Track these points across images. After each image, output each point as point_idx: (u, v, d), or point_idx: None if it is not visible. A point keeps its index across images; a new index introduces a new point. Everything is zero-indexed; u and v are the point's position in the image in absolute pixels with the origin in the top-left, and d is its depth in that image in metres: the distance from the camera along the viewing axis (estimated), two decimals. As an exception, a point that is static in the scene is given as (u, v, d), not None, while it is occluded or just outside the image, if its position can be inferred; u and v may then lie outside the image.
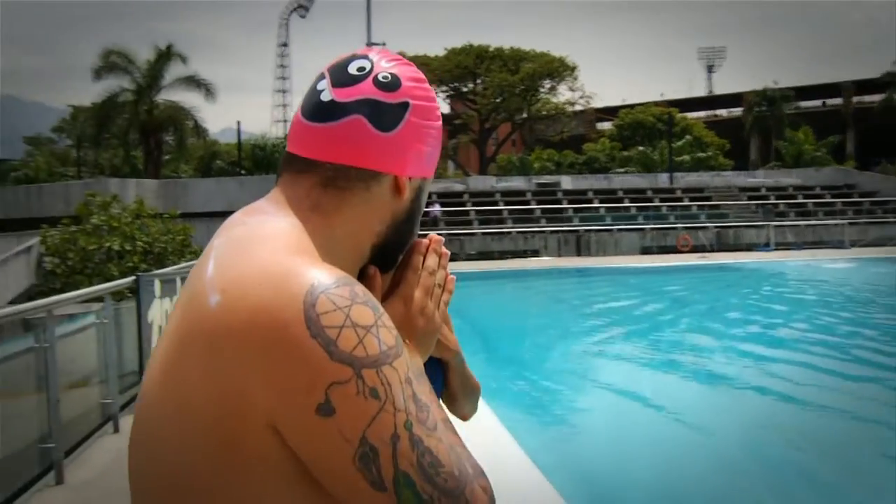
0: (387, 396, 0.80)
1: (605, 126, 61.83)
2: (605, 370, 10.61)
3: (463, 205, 36.05)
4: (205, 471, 0.82)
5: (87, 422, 5.96)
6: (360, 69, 0.99)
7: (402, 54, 1.13)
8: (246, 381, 0.79)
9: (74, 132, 55.75)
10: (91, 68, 36.83)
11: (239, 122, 44.33)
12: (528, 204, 36.41)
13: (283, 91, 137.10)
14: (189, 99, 41.92)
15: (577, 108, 54.69)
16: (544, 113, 53.39)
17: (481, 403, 1.28)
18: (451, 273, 1.10)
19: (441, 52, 54.19)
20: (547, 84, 52.95)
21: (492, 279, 23.69)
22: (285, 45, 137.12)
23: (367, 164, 0.96)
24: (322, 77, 1.00)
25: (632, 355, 11.36)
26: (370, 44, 31.21)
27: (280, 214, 0.94)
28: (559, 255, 31.38)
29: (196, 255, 18.52)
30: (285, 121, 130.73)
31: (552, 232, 33.00)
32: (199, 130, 40.80)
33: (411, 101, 0.99)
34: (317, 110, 0.97)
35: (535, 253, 31.70)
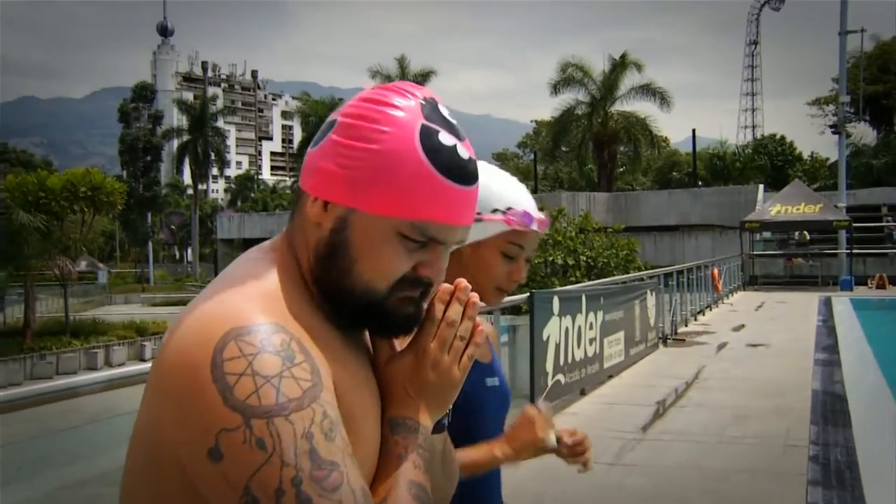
0: (274, 449, 0.81)
1: None
2: None
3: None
4: (139, 485, 0.92)
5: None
6: None
7: None
8: (162, 416, 0.87)
9: (536, 147, 60.43)
10: (548, 83, 39.33)
11: (694, 131, 43.33)
12: None
13: (752, 94, 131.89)
14: (644, 108, 42.28)
15: None
16: None
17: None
18: None
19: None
20: None
21: None
22: (755, 43, 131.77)
23: (300, 181, 1.01)
24: None
25: None
26: (845, 32, 27.73)
27: (271, 251, 1.01)
28: None
29: (639, 269, 18.34)
30: (754, 126, 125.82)
31: None
32: (654, 140, 40.84)
33: (339, 118, 0.99)
34: None
35: None
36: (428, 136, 0.96)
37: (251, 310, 0.88)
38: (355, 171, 0.94)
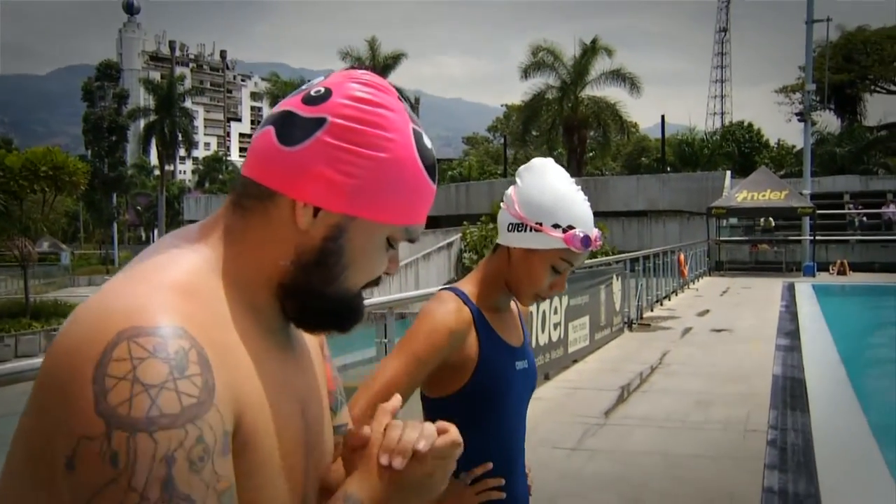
0: (125, 468, 0.74)
1: None
2: None
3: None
4: (14, 487, 0.82)
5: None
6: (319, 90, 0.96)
7: None
8: (37, 412, 0.80)
9: (506, 131, 60.44)
10: (519, 67, 39.28)
11: (663, 117, 43.55)
12: None
13: (721, 81, 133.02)
14: (614, 94, 42.41)
15: None
16: None
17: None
18: None
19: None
20: None
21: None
22: (725, 30, 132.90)
23: (261, 178, 0.93)
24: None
25: None
26: (811, 21, 27.96)
27: (194, 240, 0.93)
28: None
29: (607, 254, 18.48)
30: (723, 113, 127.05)
31: None
32: (624, 126, 40.99)
33: (330, 118, 0.92)
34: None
35: None
36: (419, 141, 0.96)
37: (157, 307, 0.81)
38: (361, 180, 0.91)
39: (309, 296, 0.94)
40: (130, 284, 0.85)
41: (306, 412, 0.98)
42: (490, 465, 1.66)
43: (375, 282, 1.00)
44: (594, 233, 1.67)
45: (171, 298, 0.83)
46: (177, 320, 0.81)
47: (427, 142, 0.97)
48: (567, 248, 1.65)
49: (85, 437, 0.74)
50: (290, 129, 0.92)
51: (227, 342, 0.86)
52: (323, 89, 0.94)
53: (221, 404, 0.80)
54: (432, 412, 1.73)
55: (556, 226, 1.64)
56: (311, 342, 1.10)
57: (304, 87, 0.97)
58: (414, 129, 0.96)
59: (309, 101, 0.94)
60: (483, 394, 1.67)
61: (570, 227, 1.64)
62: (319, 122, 0.91)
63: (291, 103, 0.95)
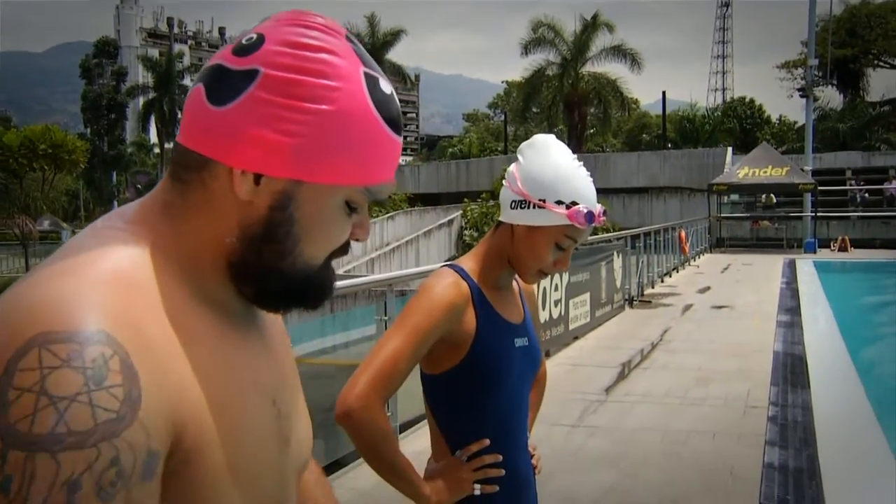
0: (18, 493, 0.63)
1: None
2: None
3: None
4: None
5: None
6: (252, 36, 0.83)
7: None
8: None
9: (507, 107, 60.19)
10: (520, 43, 39.03)
11: (664, 93, 43.37)
12: None
13: (722, 57, 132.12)
14: (615, 70, 42.12)
15: None
16: None
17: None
18: None
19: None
20: None
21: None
22: (727, 5, 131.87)
23: (195, 145, 0.81)
24: None
25: None
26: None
27: (131, 222, 0.83)
28: None
29: (607, 231, 18.49)
30: (724, 89, 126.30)
31: None
32: (625, 102, 40.81)
33: (262, 69, 0.79)
34: None
35: None
36: (373, 87, 0.83)
37: (78, 307, 0.70)
38: (304, 138, 0.79)
39: (263, 274, 0.83)
40: (55, 278, 0.73)
41: (278, 401, 0.89)
42: (487, 442, 1.66)
43: (342, 250, 0.89)
44: (598, 208, 1.66)
45: (99, 295, 0.72)
46: (101, 322, 0.70)
47: (385, 88, 0.84)
48: (571, 225, 1.64)
49: None
50: (220, 85, 0.80)
51: (171, 341, 0.76)
52: (255, 36, 0.82)
53: (149, 419, 0.69)
54: (431, 389, 1.73)
55: (559, 202, 1.64)
56: (274, 317, 0.98)
57: (238, 35, 0.85)
58: (366, 74, 0.83)
59: (239, 50, 0.81)
60: (481, 370, 1.67)
61: (574, 203, 1.64)
62: (251, 75, 0.79)
63: (222, 55, 0.83)
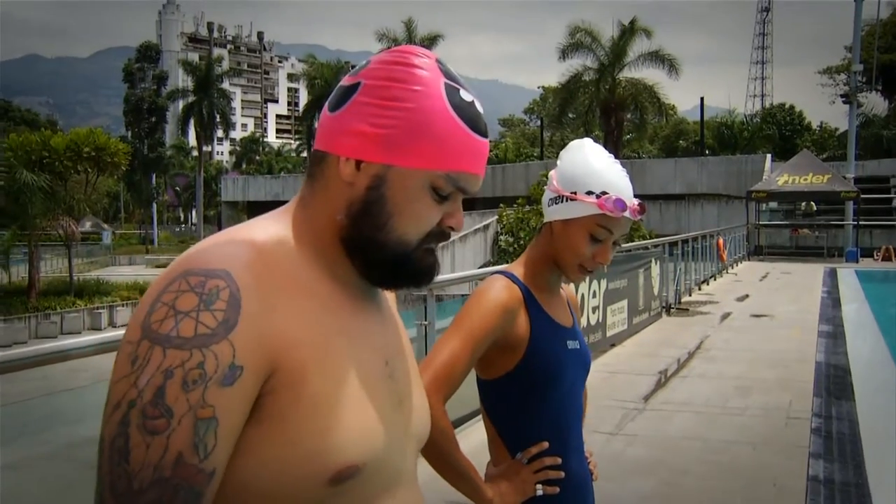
0: (136, 369, 0.88)
1: None
2: None
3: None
4: None
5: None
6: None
7: None
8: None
9: (543, 113, 59.99)
10: (557, 48, 38.86)
11: (702, 99, 42.90)
12: None
13: (762, 62, 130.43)
14: (653, 75, 41.85)
15: None
16: None
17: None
18: None
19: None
20: None
21: None
22: (767, 10, 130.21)
23: (317, 144, 1.06)
24: None
25: None
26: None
27: (280, 212, 1.08)
28: None
29: (644, 238, 18.33)
30: (763, 95, 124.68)
31: None
32: (662, 108, 40.43)
33: (363, 81, 1.04)
34: None
35: None
36: (452, 93, 1.03)
37: (217, 254, 0.94)
38: (391, 130, 1.00)
39: (364, 244, 1.02)
40: (211, 240, 0.99)
41: (391, 364, 1.08)
42: (546, 444, 1.67)
43: (439, 235, 1.06)
44: (632, 200, 1.67)
45: (235, 248, 0.96)
46: (227, 265, 0.93)
47: (466, 96, 1.05)
48: (602, 213, 1.65)
49: (128, 340, 0.90)
50: (336, 98, 1.05)
51: (287, 291, 0.96)
52: (365, 61, 1.07)
53: (239, 341, 0.90)
54: (488, 394, 1.74)
55: (589, 192, 1.66)
56: (393, 304, 1.20)
57: None
58: (447, 84, 1.04)
59: (350, 73, 1.07)
60: (536, 372, 1.68)
61: (604, 193, 1.65)
62: (356, 87, 1.04)
63: (344, 79, 1.08)
